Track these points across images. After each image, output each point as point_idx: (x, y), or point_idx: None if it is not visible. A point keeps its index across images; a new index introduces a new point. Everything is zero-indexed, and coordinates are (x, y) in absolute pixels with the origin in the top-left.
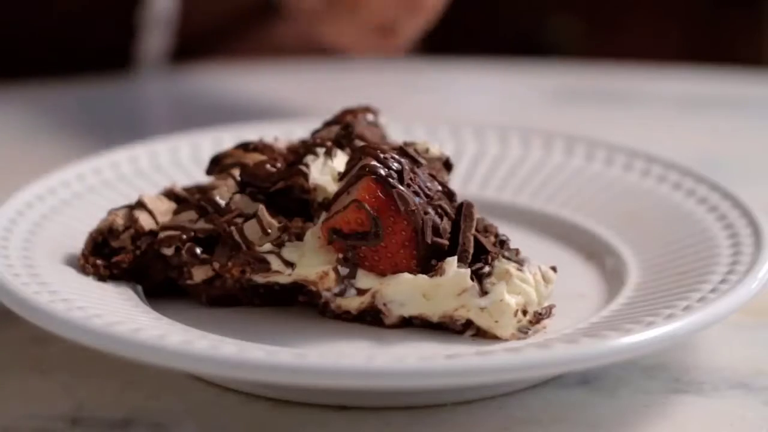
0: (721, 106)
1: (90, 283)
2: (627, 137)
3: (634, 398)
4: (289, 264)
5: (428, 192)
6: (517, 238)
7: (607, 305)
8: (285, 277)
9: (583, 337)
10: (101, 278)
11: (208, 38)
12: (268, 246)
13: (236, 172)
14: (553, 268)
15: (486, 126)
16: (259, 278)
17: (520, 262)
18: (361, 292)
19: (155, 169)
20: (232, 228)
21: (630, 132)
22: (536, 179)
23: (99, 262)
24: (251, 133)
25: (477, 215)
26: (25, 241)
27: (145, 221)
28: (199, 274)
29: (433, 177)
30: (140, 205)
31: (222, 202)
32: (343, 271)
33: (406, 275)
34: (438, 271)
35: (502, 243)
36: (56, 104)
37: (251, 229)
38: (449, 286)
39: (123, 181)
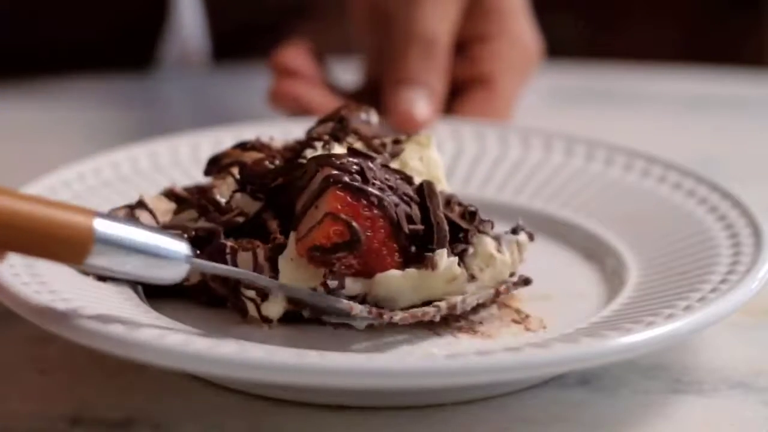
0: (721, 106)
1: (90, 283)
2: (627, 137)
3: (634, 398)
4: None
5: (390, 183)
6: None
7: (607, 305)
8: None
9: (583, 337)
10: (101, 278)
11: (239, 39)
12: (252, 293)
13: (235, 171)
14: (530, 235)
15: (486, 126)
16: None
17: (497, 239)
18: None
19: (155, 169)
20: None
21: (630, 132)
22: (536, 179)
23: None
24: (251, 133)
25: (438, 190)
26: None
27: (146, 221)
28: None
29: (386, 167)
30: (141, 204)
31: (222, 200)
32: (332, 284)
33: (394, 272)
34: (430, 265)
35: (473, 214)
36: (68, 102)
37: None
38: (439, 277)
39: (123, 181)
